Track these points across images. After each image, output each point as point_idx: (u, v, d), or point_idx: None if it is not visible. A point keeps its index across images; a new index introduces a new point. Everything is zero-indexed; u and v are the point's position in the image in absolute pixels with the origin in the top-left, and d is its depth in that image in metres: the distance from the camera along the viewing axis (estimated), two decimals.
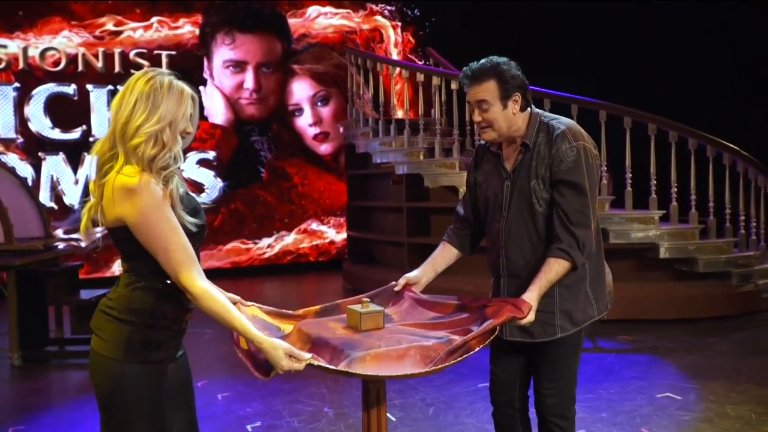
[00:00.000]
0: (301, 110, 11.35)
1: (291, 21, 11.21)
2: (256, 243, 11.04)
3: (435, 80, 8.57)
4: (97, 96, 9.93)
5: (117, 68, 9.99)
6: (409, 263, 8.61)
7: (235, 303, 2.59)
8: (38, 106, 9.70)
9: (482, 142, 2.94)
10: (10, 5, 9.54)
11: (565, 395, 2.85)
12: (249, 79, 10.93)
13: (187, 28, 10.55)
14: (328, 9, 11.49)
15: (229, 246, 10.85)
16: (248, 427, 4.44)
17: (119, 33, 10.12)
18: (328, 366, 2.20)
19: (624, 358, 5.90)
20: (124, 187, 2.13)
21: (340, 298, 9.89)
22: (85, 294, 6.32)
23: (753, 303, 7.44)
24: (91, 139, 9.74)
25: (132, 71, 1.98)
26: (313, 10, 11.38)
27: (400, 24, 11.99)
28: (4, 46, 9.56)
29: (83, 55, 9.89)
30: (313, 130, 11.40)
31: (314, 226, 11.39)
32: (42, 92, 9.73)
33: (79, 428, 4.53)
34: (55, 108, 9.77)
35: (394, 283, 2.89)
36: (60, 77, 9.82)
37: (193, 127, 2.31)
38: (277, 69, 11.14)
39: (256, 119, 11.07)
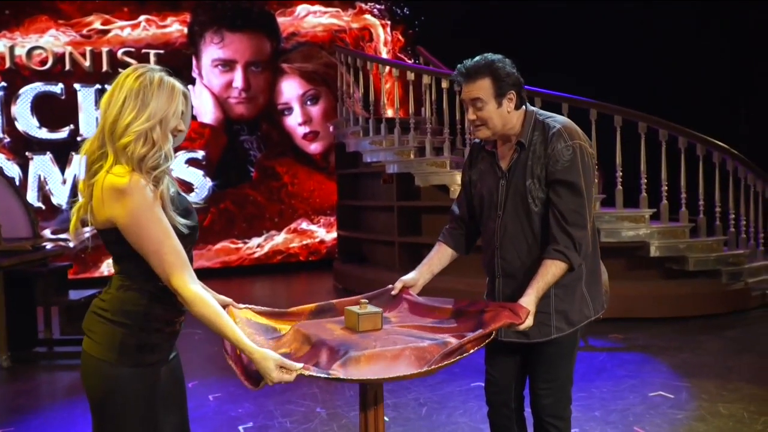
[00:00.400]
0: (290, 109, 11.32)
1: (280, 20, 11.18)
2: (245, 243, 10.99)
3: (425, 79, 8.56)
4: (85, 95, 9.86)
5: (105, 67, 9.93)
6: (400, 262, 8.61)
7: (227, 305, 2.57)
8: (25, 106, 9.63)
9: (477, 140, 2.92)
10: None
11: (561, 395, 2.84)
12: (238, 78, 10.89)
13: (175, 27, 10.49)
14: (317, 8, 11.46)
15: (218, 246, 10.80)
16: (240, 428, 4.41)
17: (107, 32, 10.05)
18: (319, 375, 2.18)
19: (615, 356, 5.90)
20: (113, 187, 2.08)
21: (332, 297, 9.84)
22: (74, 294, 6.28)
23: (743, 301, 7.47)
24: (78, 139, 9.67)
25: (120, 70, 1.97)
26: (302, 9, 11.35)
27: (389, 23, 11.98)
28: None
29: (70, 54, 9.82)
30: (303, 129, 11.37)
31: (304, 225, 11.36)
32: (29, 91, 9.65)
33: (69, 430, 4.49)
34: (43, 107, 9.69)
35: (390, 286, 2.86)
36: (47, 76, 9.74)
37: (185, 125, 2.25)
38: (266, 68, 11.10)
39: (246, 118, 11.02)
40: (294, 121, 11.33)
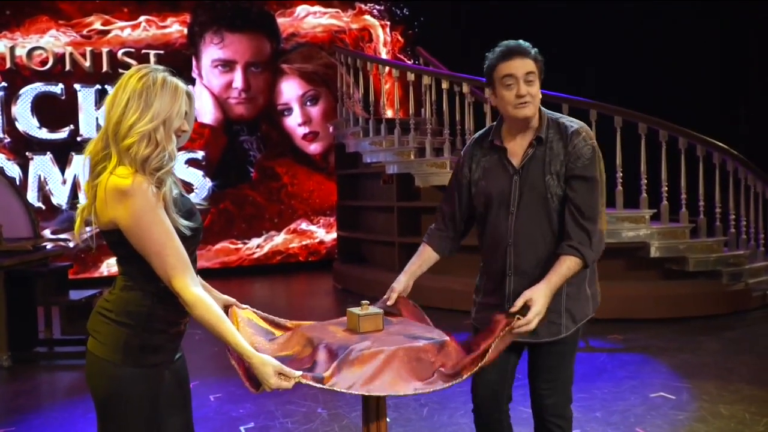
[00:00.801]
0: (290, 110, 11.32)
1: (280, 20, 11.18)
2: (245, 243, 11.00)
3: (425, 79, 8.56)
4: (85, 96, 9.86)
5: (105, 68, 9.93)
6: (399, 263, 8.58)
7: (230, 306, 2.57)
8: (25, 106, 9.63)
9: (476, 136, 2.90)
10: None
11: (564, 394, 2.84)
12: (238, 78, 10.89)
13: (175, 28, 10.49)
14: (317, 8, 11.47)
15: (218, 246, 10.81)
16: (241, 429, 4.42)
17: (107, 32, 10.06)
18: (316, 384, 2.18)
19: (616, 357, 5.90)
20: (116, 188, 2.07)
21: (331, 297, 9.82)
22: (75, 294, 6.28)
23: (743, 302, 7.47)
24: (78, 139, 9.68)
25: (120, 71, 1.96)
26: (301, 10, 11.35)
27: (389, 23, 11.98)
28: None
29: (71, 54, 9.82)
30: (303, 130, 11.37)
31: (304, 225, 11.36)
32: (29, 92, 9.66)
33: (69, 430, 4.47)
34: (43, 108, 9.70)
35: (386, 297, 2.84)
36: (47, 77, 9.75)
37: (189, 125, 2.25)
38: (266, 68, 11.10)
39: (245, 119, 11.03)
40: (294, 122, 11.34)
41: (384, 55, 11.78)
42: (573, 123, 2.73)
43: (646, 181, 7.49)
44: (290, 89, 11.30)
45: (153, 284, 2.17)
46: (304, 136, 11.38)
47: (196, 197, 10.27)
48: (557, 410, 2.81)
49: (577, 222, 2.61)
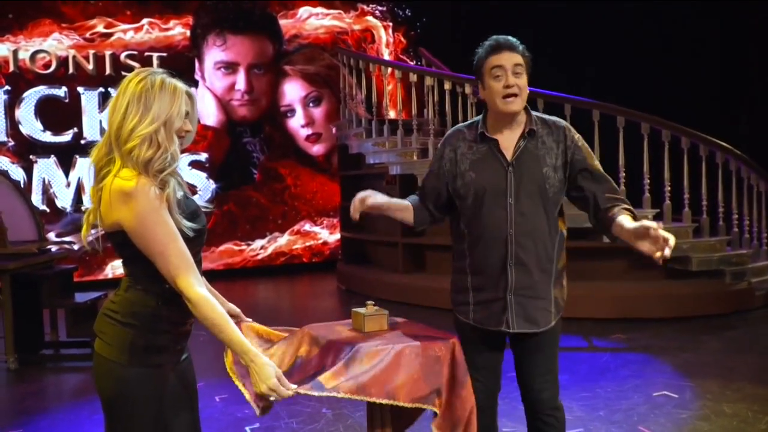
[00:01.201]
0: (293, 111, 11.35)
1: (282, 22, 11.20)
2: (249, 244, 11.02)
3: (428, 80, 8.58)
4: (88, 98, 9.89)
5: (108, 70, 9.96)
6: (403, 263, 8.64)
7: (236, 316, 2.60)
8: (29, 109, 9.66)
9: (458, 128, 2.94)
10: (0, 7, 9.50)
11: (556, 386, 2.90)
12: (240, 80, 10.92)
13: (177, 30, 10.52)
14: (320, 10, 11.49)
15: (222, 248, 10.84)
16: (247, 429, 4.45)
17: (110, 35, 10.09)
18: (313, 393, 2.22)
19: (618, 356, 5.92)
20: (120, 191, 2.10)
21: (335, 298, 9.83)
22: (80, 297, 6.31)
23: (746, 301, 7.48)
24: (82, 142, 9.72)
25: (123, 73, 1.98)
26: (304, 11, 11.38)
27: (391, 24, 12.00)
28: None
29: (74, 57, 9.85)
30: (306, 131, 11.40)
31: (307, 227, 11.39)
32: (33, 95, 9.69)
33: (76, 431, 4.50)
34: (46, 111, 9.73)
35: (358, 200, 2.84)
36: (51, 80, 9.78)
37: (192, 125, 2.27)
38: (268, 70, 11.13)
39: (248, 120, 11.06)
40: (297, 123, 11.36)
41: (386, 56, 11.80)
42: (557, 119, 2.86)
43: (648, 180, 7.51)
44: (293, 91, 11.33)
45: (158, 285, 2.19)
46: (307, 138, 11.41)
47: (200, 199, 10.31)
48: (553, 402, 2.87)
49: (610, 198, 2.75)
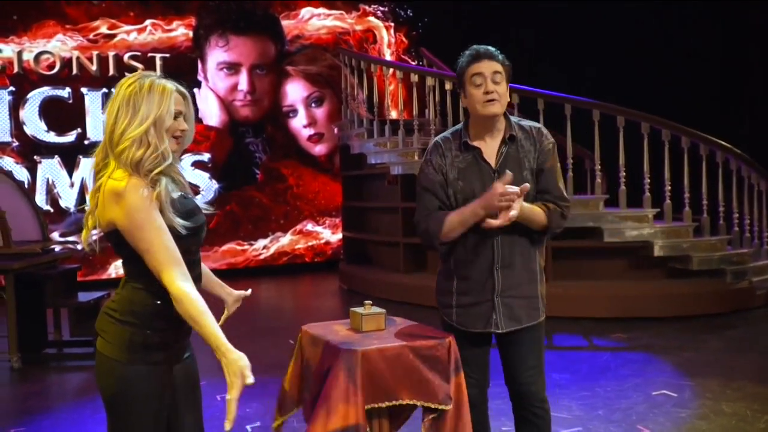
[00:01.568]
0: (295, 111, 11.38)
1: (284, 22, 11.23)
2: (251, 244, 11.06)
3: (429, 81, 8.60)
4: (92, 99, 9.93)
5: (111, 71, 10.00)
6: (404, 263, 8.67)
7: (243, 297, 2.64)
8: (33, 110, 9.71)
9: (441, 137, 2.98)
10: (4, 9, 9.55)
11: (543, 378, 2.97)
12: (243, 80, 10.95)
13: (180, 31, 10.56)
14: (321, 10, 11.52)
15: (225, 247, 10.87)
16: (248, 428, 4.47)
17: (113, 36, 10.13)
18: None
19: (619, 355, 5.94)
20: (112, 191, 2.15)
21: (337, 298, 9.84)
22: (83, 296, 6.35)
23: (747, 300, 7.49)
24: (86, 143, 9.77)
25: (126, 74, 2.02)
26: (306, 12, 11.40)
27: (393, 24, 12.02)
28: None
29: (77, 58, 9.90)
30: (308, 132, 11.42)
31: (309, 227, 11.42)
32: (37, 96, 9.73)
33: (79, 430, 4.53)
34: (50, 111, 9.77)
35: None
36: (54, 81, 9.82)
37: (188, 124, 2.31)
38: (270, 70, 11.16)
39: (251, 121, 11.09)
40: (299, 123, 11.39)
41: (388, 57, 11.82)
42: (533, 123, 2.97)
43: (649, 180, 7.52)
44: (295, 91, 11.36)
45: (156, 283, 2.21)
46: (309, 138, 11.44)
47: (203, 200, 10.33)
48: (540, 395, 2.94)
49: (551, 200, 2.87)
